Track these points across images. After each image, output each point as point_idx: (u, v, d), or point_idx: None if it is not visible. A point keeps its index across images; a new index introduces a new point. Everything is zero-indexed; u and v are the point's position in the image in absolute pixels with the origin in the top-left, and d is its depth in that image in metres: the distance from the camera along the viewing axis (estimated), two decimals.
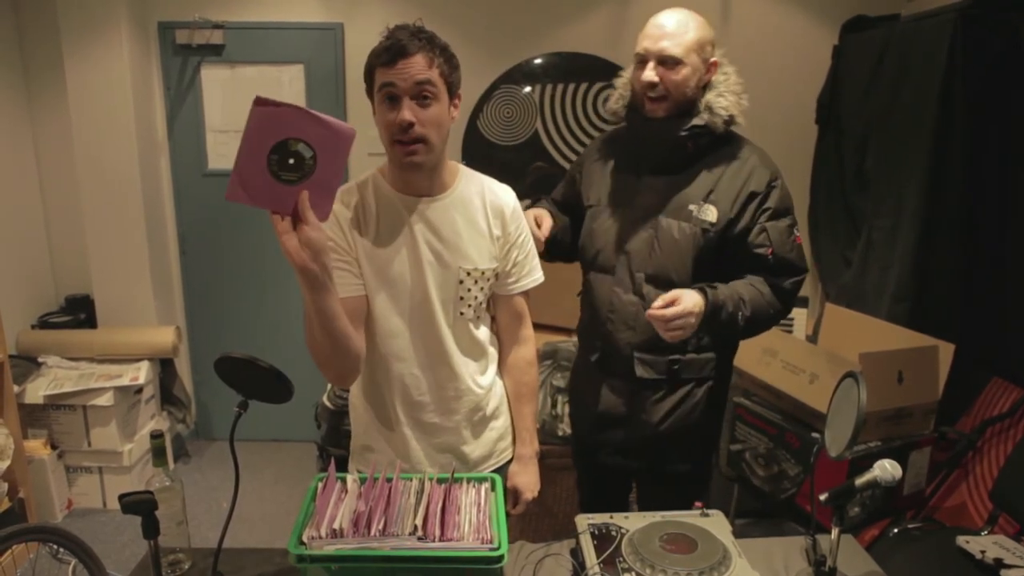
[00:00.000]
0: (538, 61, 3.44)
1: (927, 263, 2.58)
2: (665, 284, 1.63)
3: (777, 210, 1.63)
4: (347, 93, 3.47)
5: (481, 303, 1.52)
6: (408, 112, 1.32)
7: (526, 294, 1.61)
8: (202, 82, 3.46)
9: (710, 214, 1.62)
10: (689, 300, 1.51)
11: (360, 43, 3.42)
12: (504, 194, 1.53)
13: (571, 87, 3.44)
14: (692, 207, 1.62)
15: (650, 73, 1.58)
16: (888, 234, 2.76)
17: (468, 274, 1.46)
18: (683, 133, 1.60)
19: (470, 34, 3.41)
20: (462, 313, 1.49)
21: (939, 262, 2.57)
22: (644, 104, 1.63)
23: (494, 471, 1.61)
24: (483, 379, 1.57)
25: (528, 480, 1.64)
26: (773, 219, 1.63)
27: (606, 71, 3.40)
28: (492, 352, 1.61)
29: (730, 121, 1.62)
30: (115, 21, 3.16)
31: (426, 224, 1.44)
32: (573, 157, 3.49)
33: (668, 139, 1.62)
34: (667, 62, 1.57)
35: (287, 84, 3.47)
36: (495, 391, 1.61)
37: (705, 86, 1.62)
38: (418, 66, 1.32)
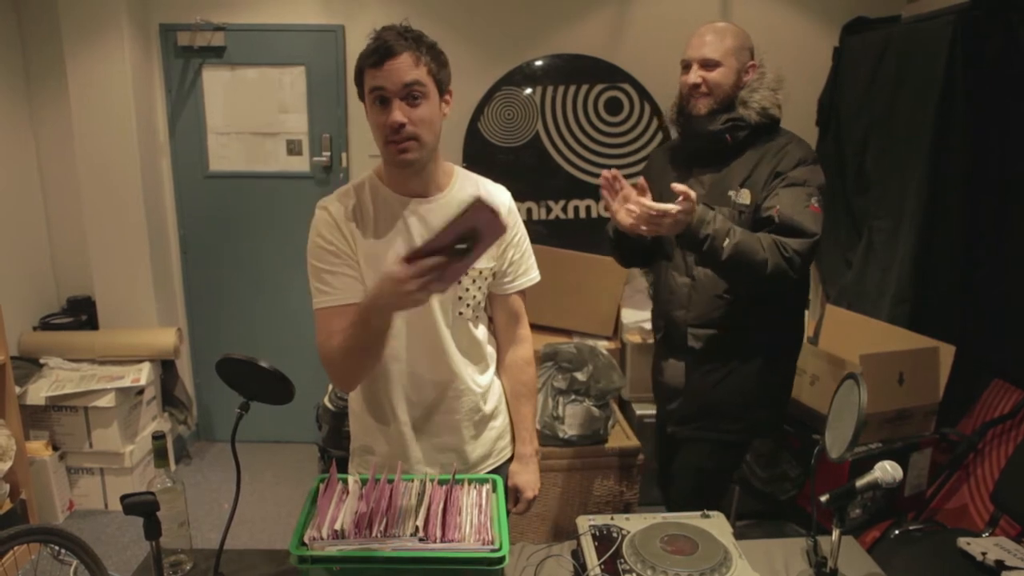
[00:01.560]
0: (539, 63, 3.44)
1: (927, 265, 2.58)
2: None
3: (795, 180, 1.75)
4: (348, 95, 3.48)
5: (480, 303, 1.52)
6: (399, 113, 1.33)
7: (523, 293, 1.61)
8: (203, 84, 3.47)
9: (745, 197, 1.78)
10: (671, 207, 1.61)
11: (361, 45, 3.40)
12: (500, 194, 1.55)
13: (572, 89, 3.44)
14: (731, 192, 1.80)
15: (693, 76, 1.81)
16: (889, 235, 2.76)
17: (466, 274, 1.47)
18: (721, 126, 1.79)
19: (471, 36, 3.41)
20: (461, 313, 1.49)
21: (939, 263, 2.57)
22: (689, 103, 1.83)
23: (493, 470, 1.61)
24: (482, 379, 1.57)
25: (529, 479, 1.64)
26: (789, 186, 1.74)
27: (607, 73, 3.41)
28: (490, 352, 1.62)
29: (763, 113, 1.79)
30: (116, 23, 3.16)
31: (423, 224, 1.44)
32: (574, 159, 3.49)
33: (707, 132, 1.81)
34: (707, 64, 1.79)
35: (288, 86, 3.48)
36: (493, 390, 1.62)
37: (743, 85, 1.81)
38: (406, 66, 1.33)
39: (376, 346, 1.33)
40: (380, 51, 1.34)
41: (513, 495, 1.64)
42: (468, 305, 1.50)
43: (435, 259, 1.14)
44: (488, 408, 1.59)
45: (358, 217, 1.43)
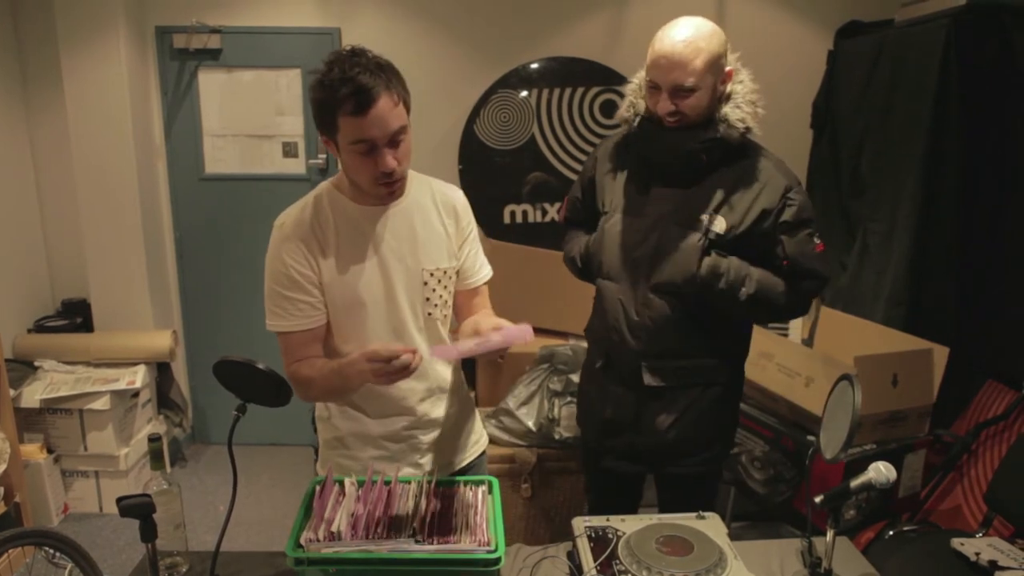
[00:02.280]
0: (535, 66, 3.45)
1: (922, 267, 2.59)
2: (671, 294, 1.64)
3: (793, 223, 1.61)
4: None
5: (447, 302, 1.55)
6: (391, 160, 1.34)
7: (483, 288, 1.63)
8: (199, 86, 3.46)
9: (719, 225, 1.60)
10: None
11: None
12: (453, 192, 1.57)
13: (568, 91, 3.45)
14: (704, 217, 1.61)
15: (666, 104, 1.56)
16: (883, 238, 2.77)
17: (431, 274, 1.50)
18: (698, 145, 1.58)
19: (467, 39, 3.42)
20: (430, 314, 1.52)
21: (934, 266, 2.58)
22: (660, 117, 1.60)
23: (470, 463, 1.65)
24: (451, 378, 1.60)
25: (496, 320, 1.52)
26: (788, 232, 1.62)
27: (603, 76, 3.42)
28: None
29: (746, 132, 1.59)
30: (112, 25, 3.16)
31: (386, 231, 1.46)
32: (570, 161, 3.50)
33: (682, 152, 1.60)
34: (680, 92, 1.54)
35: (284, 88, 3.48)
36: (461, 390, 1.65)
37: (720, 97, 1.59)
38: (388, 112, 1.29)
39: (351, 392, 1.47)
40: (359, 98, 1.27)
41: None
42: (436, 305, 1.52)
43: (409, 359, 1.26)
44: (457, 406, 1.62)
45: (319, 236, 1.43)
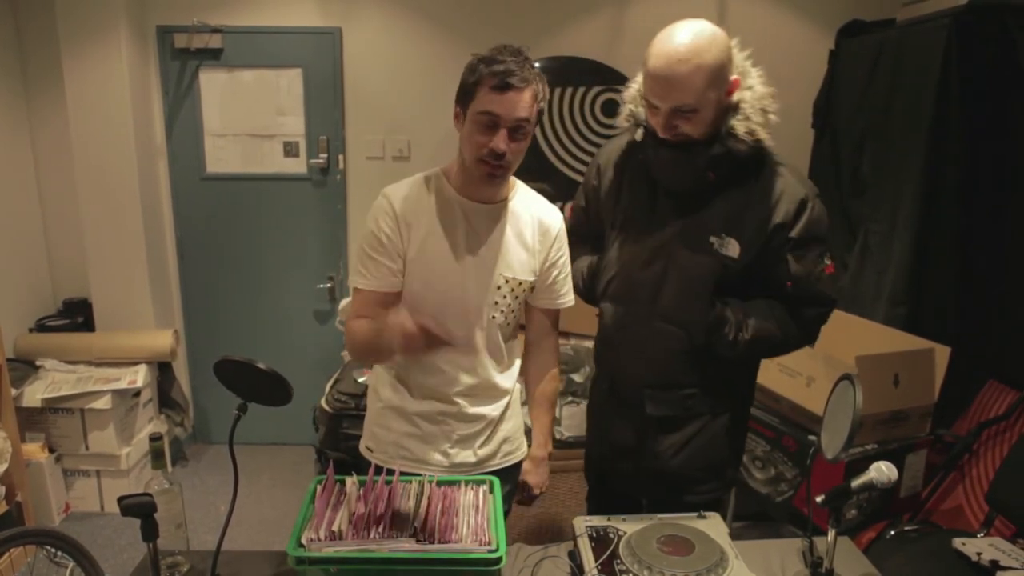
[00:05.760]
0: (536, 65, 3.43)
1: (923, 267, 2.59)
2: (677, 320, 1.56)
3: (801, 240, 1.49)
4: (345, 97, 3.48)
5: (514, 312, 1.58)
6: (503, 143, 1.39)
7: (559, 311, 1.67)
8: (200, 86, 3.46)
9: (732, 249, 1.49)
10: None
11: (358, 48, 3.42)
12: (553, 215, 1.61)
13: (568, 91, 3.44)
14: (713, 239, 1.50)
15: (664, 125, 1.44)
16: (884, 238, 2.77)
17: (506, 281, 1.53)
18: (703, 162, 1.45)
19: (467, 38, 3.42)
20: (494, 317, 1.55)
21: (935, 266, 2.58)
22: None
23: (498, 471, 1.65)
24: (501, 382, 1.62)
25: (539, 480, 1.74)
26: (796, 249, 1.50)
27: (604, 76, 3.41)
28: (515, 362, 1.67)
29: (756, 145, 1.45)
30: (114, 25, 3.16)
31: (477, 228, 1.51)
32: (571, 161, 3.49)
33: (685, 168, 1.47)
34: (680, 112, 1.41)
35: (285, 88, 3.48)
36: (509, 396, 1.66)
37: (727, 108, 1.45)
38: (524, 103, 1.38)
39: (385, 358, 1.51)
40: (506, 78, 1.36)
41: (523, 490, 1.73)
42: (502, 311, 1.55)
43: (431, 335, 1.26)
44: (499, 411, 1.63)
45: (418, 211, 1.49)
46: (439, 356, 1.51)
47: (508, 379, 1.64)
